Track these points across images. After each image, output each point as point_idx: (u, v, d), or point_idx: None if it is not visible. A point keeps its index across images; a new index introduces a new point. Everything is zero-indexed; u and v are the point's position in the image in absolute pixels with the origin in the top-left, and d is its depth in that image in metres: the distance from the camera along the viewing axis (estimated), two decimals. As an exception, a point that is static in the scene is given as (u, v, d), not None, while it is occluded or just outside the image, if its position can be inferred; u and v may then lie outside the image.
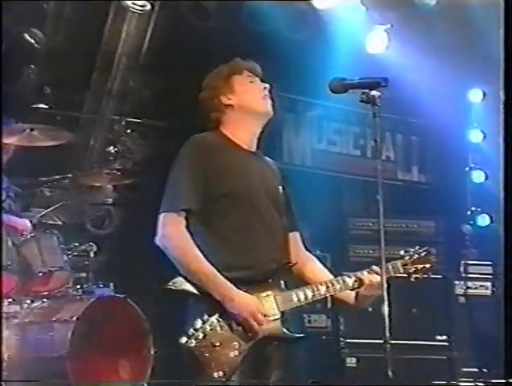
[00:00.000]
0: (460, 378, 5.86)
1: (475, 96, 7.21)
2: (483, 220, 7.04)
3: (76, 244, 4.82)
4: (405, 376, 4.78)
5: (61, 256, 4.61)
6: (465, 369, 5.91)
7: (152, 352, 4.39)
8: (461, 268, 6.40)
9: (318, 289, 2.85)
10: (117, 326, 4.40)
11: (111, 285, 4.91)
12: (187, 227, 2.81)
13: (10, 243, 4.41)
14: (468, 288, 6.24)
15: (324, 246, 6.38)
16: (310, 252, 3.13)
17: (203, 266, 2.74)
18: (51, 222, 5.21)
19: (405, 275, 2.97)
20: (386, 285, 2.67)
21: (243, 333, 2.71)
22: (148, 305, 4.76)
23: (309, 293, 2.84)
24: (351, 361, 5.75)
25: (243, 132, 2.99)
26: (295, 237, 3.04)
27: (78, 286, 4.70)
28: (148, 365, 4.39)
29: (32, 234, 4.59)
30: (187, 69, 5.92)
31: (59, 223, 5.34)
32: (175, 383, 3.75)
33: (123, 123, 5.17)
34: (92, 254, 4.78)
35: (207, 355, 2.66)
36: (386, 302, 2.52)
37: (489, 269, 6.43)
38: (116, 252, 5.65)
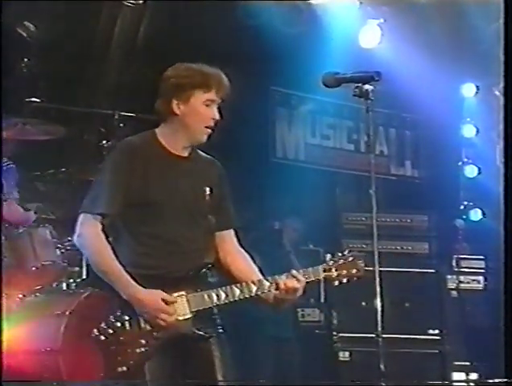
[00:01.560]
0: (452, 371, 5.89)
1: (468, 90, 7.23)
2: (475, 215, 7.07)
3: (70, 239, 4.80)
4: (397, 370, 4.80)
5: (54, 250, 4.60)
6: (457, 363, 5.95)
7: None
8: (454, 263, 6.44)
9: (232, 291, 2.93)
10: (110, 321, 4.39)
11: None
12: (107, 228, 2.94)
13: (2, 236, 4.39)
14: (460, 282, 6.28)
15: (317, 240, 6.41)
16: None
17: (113, 267, 2.87)
18: (44, 216, 5.19)
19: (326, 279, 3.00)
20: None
21: (151, 330, 2.85)
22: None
23: (222, 295, 2.92)
24: (344, 355, 5.77)
25: (175, 141, 3.00)
26: (225, 235, 3.10)
27: (71, 280, 4.69)
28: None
29: (25, 228, 4.58)
30: (181, 63, 5.92)
31: (53, 217, 5.32)
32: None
33: (117, 117, 5.15)
34: (85, 248, 4.76)
35: (113, 349, 2.85)
36: (379, 297, 2.53)
37: (482, 264, 6.47)
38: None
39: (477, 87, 7.19)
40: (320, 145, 7.26)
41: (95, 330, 2.87)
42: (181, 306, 2.88)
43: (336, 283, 2.97)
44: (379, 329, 2.52)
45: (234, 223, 3.12)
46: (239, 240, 3.14)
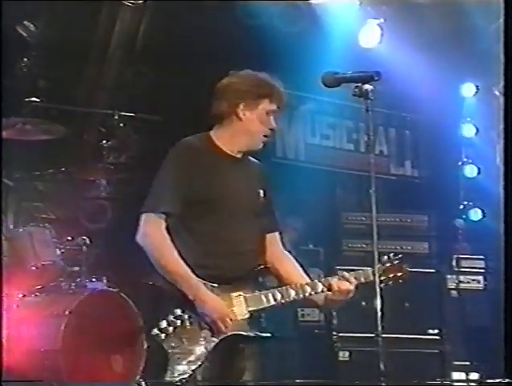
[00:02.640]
0: (452, 371, 5.89)
1: (468, 90, 7.21)
2: (475, 215, 7.05)
3: (69, 238, 4.81)
4: (398, 370, 4.80)
5: (54, 250, 4.60)
6: (457, 362, 5.94)
7: (145, 347, 4.39)
8: (454, 263, 6.43)
9: (288, 292, 3.01)
10: (109, 321, 4.40)
11: (104, 279, 4.90)
12: (168, 227, 2.97)
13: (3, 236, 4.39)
14: (460, 282, 6.27)
15: (317, 240, 6.40)
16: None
17: (179, 267, 2.90)
18: (44, 216, 5.19)
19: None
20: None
21: (210, 331, 2.89)
22: (141, 299, 4.76)
23: (278, 296, 2.99)
24: (344, 355, 5.77)
25: (232, 144, 3.09)
26: (273, 238, 3.20)
27: (71, 280, 4.69)
28: (141, 359, 4.39)
29: (25, 227, 4.58)
30: (181, 63, 5.92)
31: (53, 216, 5.32)
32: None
33: (116, 117, 5.15)
34: (84, 248, 4.77)
35: (174, 347, 2.84)
36: (379, 296, 2.53)
37: (482, 263, 6.46)
38: (110, 247, 5.65)
39: (477, 87, 7.17)
40: (320, 145, 7.24)
41: (155, 329, 2.86)
42: (239, 306, 2.94)
43: (382, 285, 3.04)
44: (379, 329, 2.52)
45: (280, 226, 3.24)
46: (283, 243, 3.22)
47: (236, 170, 3.09)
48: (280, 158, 6.94)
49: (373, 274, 2.95)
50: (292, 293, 3.00)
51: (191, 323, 2.88)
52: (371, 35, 6.33)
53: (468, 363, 5.95)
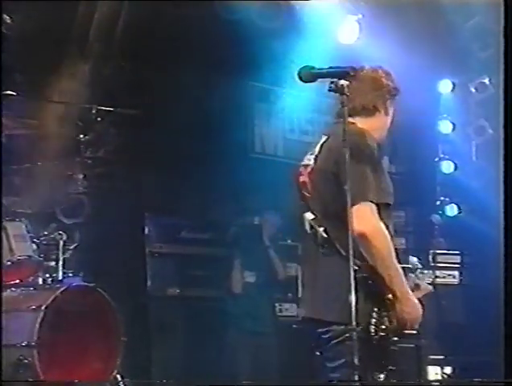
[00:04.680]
0: (427, 365, 5.94)
1: (444, 86, 7.27)
2: (451, 210, 7.12)
3: (46, 233, 4.77)
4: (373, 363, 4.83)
5: (30, 245, 4.56)
6: (432, 357, 6.00)
7: (122, 341, 4.38)
8: (430, 258, 6.49)
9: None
10: (86, 315, 4.38)
11: (81, 274, 4.88)
12: None
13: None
14: (436, 277, 6.33)
15: (294, 235, 6.42)
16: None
17: (395, 261, 2.88)
18: (20, 210, 5.14)
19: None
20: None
21: (396, 329, 2.88)
22: (118, 294, 4.75)
23: None
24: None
25: (380, 138, 3.19)
26: None
27: (47, 275, 4.66)
28: (118, 354, 4.38)
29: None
30: (158, 58, 5.90)
31: (30, 211, 5.27)
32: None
33: (94, 111, 5.11)
34: (61, 243, 4.74)
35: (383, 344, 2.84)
36: (353, 291, 2.55)
37: (457, 259, 6.54)
38: (87, 241, 5.62)
39: (454, 83, 7.23)
40: (299, 141, 7.26)
41: (371, 327, 2.82)
42: None
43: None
44: (353, 323, 2.54)
45: None
46: None
47: None
48: (259, 153, 6.95)
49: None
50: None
51: (390, 321, 2.87)
52: (350, 31, 6.35)
53: (442, 357, 6.02)
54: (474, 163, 7.17)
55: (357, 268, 2.70)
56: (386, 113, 3.16)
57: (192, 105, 5.97)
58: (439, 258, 6.53)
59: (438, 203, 7.13)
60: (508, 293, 3.40)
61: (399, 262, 2.97)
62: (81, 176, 5.22)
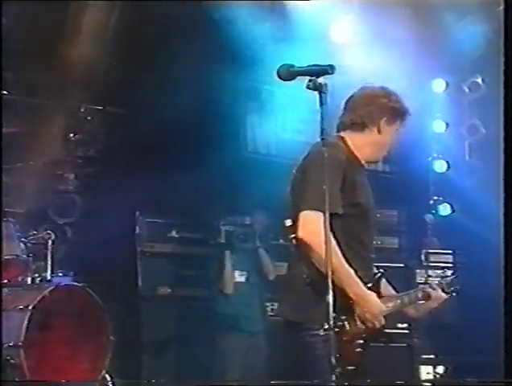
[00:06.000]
0: (420, 365, 5.94)
1: (438, 86, 7.26)
2: (444, 210, 7.11)
3: (34, 232, 4.76)
4: (367, 363, 4.82)
5: (17, 245, 4.55)
6: (424, 356, 5.99)
7: (111, 339, 4.37)
8: (423, 257, 6.49)
9: (415, 297, 3.28)
10: (74, 315, 4.37)
11: (71, 273, 4.87)
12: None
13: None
14: (429, 276, 6.32)
15: (287, 235, 6.40)
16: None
17: (343, 265, 2.93)
18: (10, 210, 5.13)
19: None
20: None
21: (363, 330, 2.96)
22: (109, 293, 4.74)
23: (406, 300, 3.22)
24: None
25: (364, 154, 3.21)
26: None
27: (36, 275, 4.64)
28: (107, 353, 4.37)
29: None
30: (148, 57, 5.89)
31: (20, 211, 5.26)
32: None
33: (83, 110, 5.11)
34: (50, 242, 4.73)
35: (338, 348, 2.79)
36: (331, 291, 2.55)
37: (450, 258, 6.53)
38: (77, 241, 5.61)
39: (447, 83, 7.22)
40: (292, 140, 7.24)
41: (321, 331, 2.86)
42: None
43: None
44: (331, 322, 2.54)
45: None
46: None
47: (365, 178, 3.22)
48: (252, 152, 6.93)
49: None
50: (406, 299, 3.21)
51: (349, 324, 2.94)
52: (342, 31, 6.35)
53: (434, 356, 6.01)
54: (467, 162, 7.16)
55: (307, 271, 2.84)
56: (379, 131, 3.16)
57: (183, 104, 5.96)
58: (432, 257, 6.52)
59: (431, 202, 7.13)
60: (508, 294, 3.42)
61: (390, 261, 3.00)
62: (72, 175, 5.23)
